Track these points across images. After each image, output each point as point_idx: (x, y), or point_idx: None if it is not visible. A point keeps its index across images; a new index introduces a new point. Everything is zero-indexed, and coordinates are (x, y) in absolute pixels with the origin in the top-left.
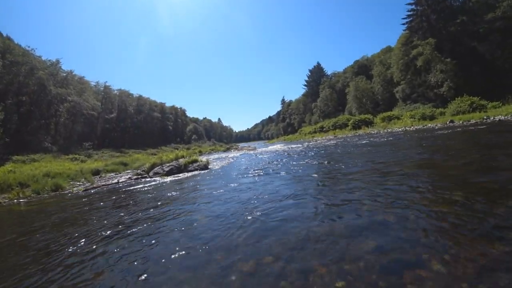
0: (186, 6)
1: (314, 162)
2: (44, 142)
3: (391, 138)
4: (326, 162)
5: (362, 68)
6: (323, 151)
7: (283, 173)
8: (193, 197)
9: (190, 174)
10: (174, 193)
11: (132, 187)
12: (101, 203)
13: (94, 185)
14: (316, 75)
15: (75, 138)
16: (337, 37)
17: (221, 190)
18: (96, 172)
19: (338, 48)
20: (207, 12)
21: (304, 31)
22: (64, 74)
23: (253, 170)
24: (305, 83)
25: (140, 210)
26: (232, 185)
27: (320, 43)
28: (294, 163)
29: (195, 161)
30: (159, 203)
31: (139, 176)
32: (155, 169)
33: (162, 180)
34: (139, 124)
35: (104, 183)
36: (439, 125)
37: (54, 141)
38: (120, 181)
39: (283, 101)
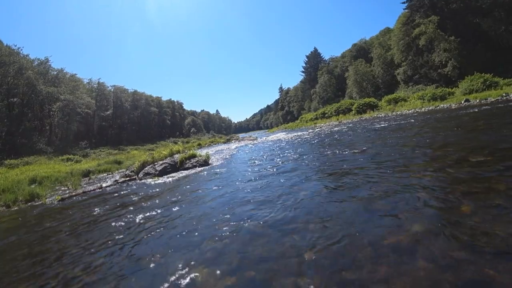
0: None
1: (330, 152)
2: (38, 143)
3: (412, 120)
4: (346, 152)
5: (360, 52)
6: (334, 138)
7: (302, 167)
8: (189, 215)
9: (187, 172)
10: (162, 207)
11: (114, 195)
12: (63, 225)
13: (73, 193)
14: (314, 61)
15: (71, 138)
16: (333, 21)
17: (229, 199)
18: (87, 173)
19: (334, 32)
20: (199, 2)
21: (299, 16)
22: (55, 73)
23: (262, 165)
24: (303, 70)
25: (104, 245)
26: (242, 190)
27: (316, 28)
28: (307, 154)
29: (193, 156)
30: (136, 231)
31: (127, 178)
32: (146, 168)
33: (153, 183)
34: (136, 120)
35: (85, 189)
36: (453, 105)
37: (50, 142)
38: (103, 186)
39: (281, 89)
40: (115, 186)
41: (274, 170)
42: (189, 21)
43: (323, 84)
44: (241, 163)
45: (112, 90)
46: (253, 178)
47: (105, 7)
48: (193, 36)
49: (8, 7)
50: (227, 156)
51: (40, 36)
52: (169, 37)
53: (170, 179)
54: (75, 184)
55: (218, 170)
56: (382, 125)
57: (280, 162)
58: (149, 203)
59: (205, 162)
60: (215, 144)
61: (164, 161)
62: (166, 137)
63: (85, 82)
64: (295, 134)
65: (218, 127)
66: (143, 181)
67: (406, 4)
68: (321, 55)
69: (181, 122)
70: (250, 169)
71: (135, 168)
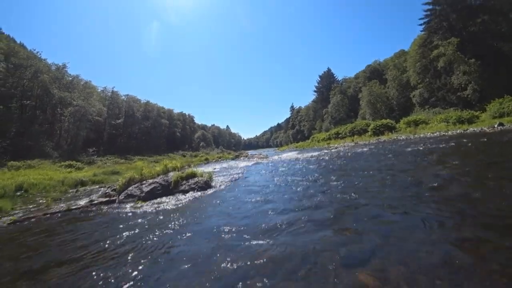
0: (193, 11)
1: (375, 187)
2: (45, 147)
3: (453, 144)
4: (405, 187)
5: (374, 73)
6: (364, 163)
7: (345, 213)
8: None
9: (181, 198)
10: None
11: (73, 226)
12: None
13: (32, 215)
14: (326, 81)
15: (80, 144)
16: (347, 43)
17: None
18: (80, 183)
19: (348, 53)
20: (215, 18)
21: (313, 37)
22: (70, 78)
23: (280, 198)
24: (315, 89)
25: None
26: (255, 257)
27: (330, 49)
28: (342, 185)
29: (192, 175)
30: None
31: (105, 199)
32: (130, 188)
33: (132, 210)
34: (146, 130)
35: (47, 210)
36: (487, 129)
37: (58, 146)
38: (72, 207)
39: (292, 108)
40: (85, 209)
41: (301, 212)
42: (205, 38)
43: (336, 104)
44: (251, 189)
45: (125, 99)
46: (271, 223)
47: (123, 16)
48: (208, 52)
49: (38, 14)
50: (234, 177)
51: (62, 42)
52: (184, 52)
53: (156, 207)
54: (50, 200)
55: (220, 200)
56: (416, 148)
57: (306, 198)
58: (101, 259)
59: (206, 184)
60: (223, 160)
61: (155, 179)
62: (176, 150)
63: (99, 90)
64: (309, 154)
65: (227, 143)
66: (122, 205)
67: (423, 26)
68: (334, 75)
69: (191, 136)
70: (264, 206)
71: (118, 186)
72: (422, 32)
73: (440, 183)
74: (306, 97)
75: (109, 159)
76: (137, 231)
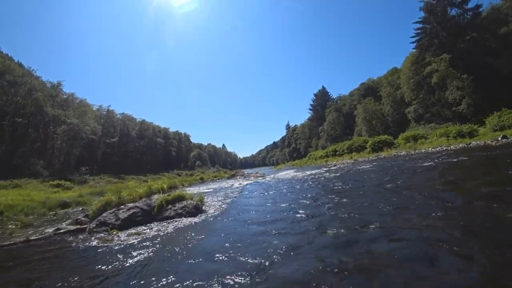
0: (189, 33)
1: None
2: (35, 166)
3: (465, 158)
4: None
5: (368, 91)
6: (371, 181)
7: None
8: None
9: (163, 228)
10: None
11: (17, 266)
12: None
13: None
14: (322, 99)
15: (73, 162)
16: (340, 61)
17: None
18: (63, 205)
19: (342, 72)
20: (211, 38)
21: (308, 56)
22: (65, 97)
23: (286, 225)
24: (310, 107)
25: None
26: None
27: (324, 68)
28: (353, 207)
29: (180, 198)
30: None
31: (75, 227)
32: (105, 214)
33: (99, 246)
34: (141, 149)
35: (3, 242)
36: (490, 142)
37: (49, 165)
38: (32, 238)
39: (287, 126)
40: (47, 241)
41: (310, 252)
42: (200, 56)
43: (331, 121)
44: (247, 216)
45: (120, 118)
46: (270, 273)
47: (121, 37)
48: (203, 71)
49: (29, 29)
50: (229, 199)
51: (60, 61)
52: (180, 70)
53: (130, 240)
54: (16, 226)
55: (209, 232)
56: (424, 163)
57: (313, 229)
58: None
59: (196, 209)
60: (219, 179)
61: (136, 204)
62: (171, 169)
63: (94, 109)
64: (308, 172)
65: (223, 162)
66: (91, 236)
67: (415, 44)
68: (329, 93)
69: (187, 154)
70: (262, 243)
71: (91, 212)
72: (414, 50)
73: (492, 208)
74: (301, 115)
75: (102, 178)
76: (100, 271)
